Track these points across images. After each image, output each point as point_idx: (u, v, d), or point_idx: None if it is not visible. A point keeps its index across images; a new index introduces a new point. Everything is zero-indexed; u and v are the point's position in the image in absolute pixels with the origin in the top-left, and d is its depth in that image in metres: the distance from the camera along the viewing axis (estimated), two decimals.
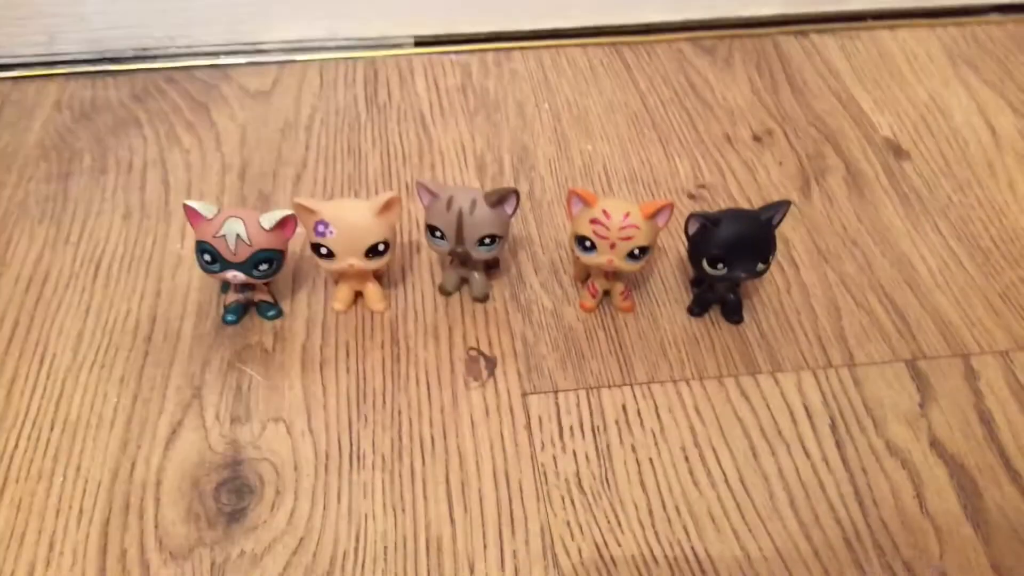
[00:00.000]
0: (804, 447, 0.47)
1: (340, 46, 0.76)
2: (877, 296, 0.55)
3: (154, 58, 0.75)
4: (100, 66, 0.74)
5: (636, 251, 0.49)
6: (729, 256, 0.49)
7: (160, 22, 0.74)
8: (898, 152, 0.66)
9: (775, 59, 0.76)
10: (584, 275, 0.55)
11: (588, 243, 0.50)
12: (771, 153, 0.66)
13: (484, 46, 0.76)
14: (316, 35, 0.76)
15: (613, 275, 0.53)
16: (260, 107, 0.70)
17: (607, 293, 0.54)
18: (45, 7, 0.72)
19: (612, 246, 0.49)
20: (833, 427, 0.48)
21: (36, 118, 0.69)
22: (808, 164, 0.65)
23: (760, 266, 0.50)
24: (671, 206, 0.49)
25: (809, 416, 0.49)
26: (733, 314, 0.54)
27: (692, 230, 0.50)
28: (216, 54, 0.75)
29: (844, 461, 0.47)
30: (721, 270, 0.50)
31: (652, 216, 0.49)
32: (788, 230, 0.59)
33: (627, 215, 0.49)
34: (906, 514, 0.44)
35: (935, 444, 0.47)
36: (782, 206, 0.50)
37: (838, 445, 0.47)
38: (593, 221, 0.49)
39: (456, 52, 0.76)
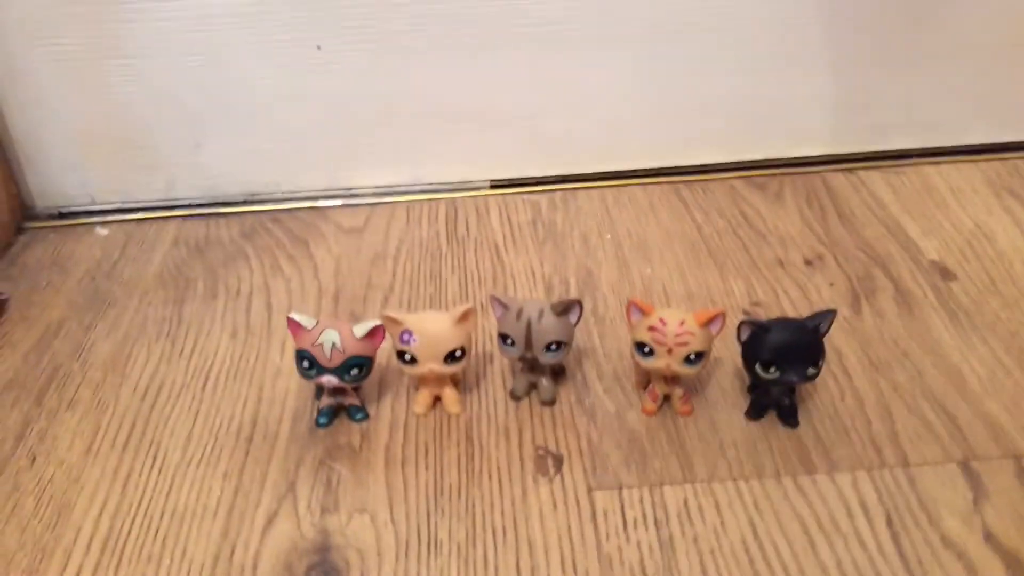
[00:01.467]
0: (861, 540, 0.49)
1: (424, 189, 0.85)
2: (928, 403, 0.58)
3: (261, 201, 0.84)
4: (213, 208, 0.84)
5: (692, 356, 0.54)
6: (780, 360, 0.53)
7: (267, 170, 0.84)
8: (945, 273, 0.70)
9: (824, 192, 0.81)
10: (645, 381, 0.60)
11: (647, 348, 0.54)
12: (822, 275, 0.70)
13: (552, 187, 0.84)
14: (402, 180, 0.85)
15: (672, 380, 0.57)
16: (353, 241, 0.78)
17: (667, 398, 0.58)
18: (166, 158, 0.83)
19: (669, 351, 0.54)
20: (889, 522, 0.50)
21: (156, 253, 0.78)
22: (858, 284, 0.69)
23: (811, 370, 0.53)
24: (723, 314, 0.54)
25: (865, 512, 0.51)
26: (789, 418, 0.57)
27: (744, 336, 0.54)
28: (315, 197, 0.84)
29: (900, 554, 0.48)
30: (773, 374, 0.53)
31: (706, 324, 0.53)
32: (841, 343, 0.63)
33: (682, 323, 0.53)
34: None
35: (990, 538, 0.49)
36: (828, 314, 0.54)
37: (894, 538, 0.49)
38: (651, 328, 0.54)
39: (528, 192, 0.84)
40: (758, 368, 0.54)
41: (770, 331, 0.53)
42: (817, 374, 0.54)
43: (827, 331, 0.54)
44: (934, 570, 0.47)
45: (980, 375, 0.60)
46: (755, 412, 0.57)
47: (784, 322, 0.55)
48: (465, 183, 0.85)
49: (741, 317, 0.57)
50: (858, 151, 0.86)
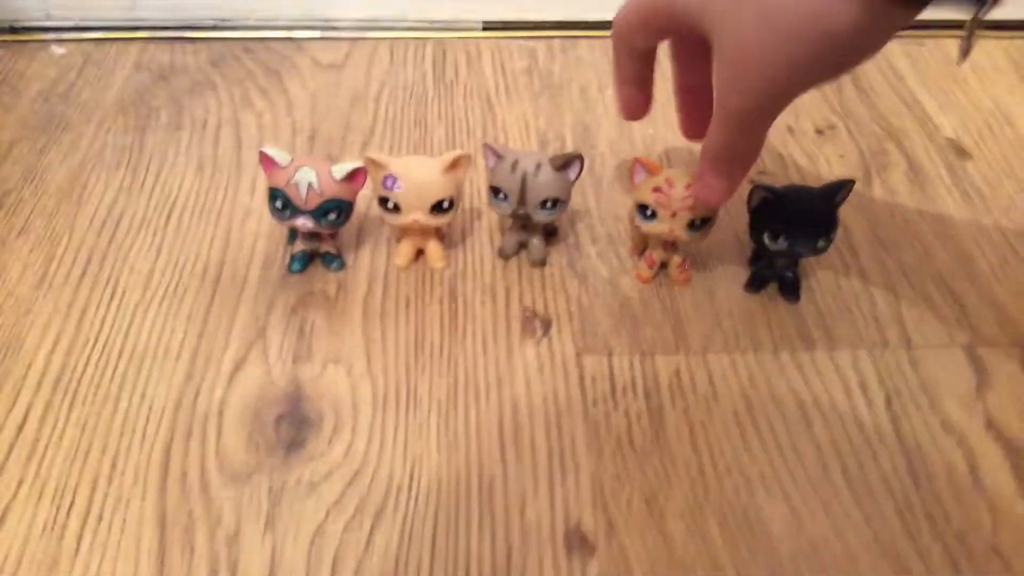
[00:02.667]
0: (858, 420, 0.47)
1: (410, 26, 0.78)
2: (936, 285, 0.55)
3: (231, 28, 0.77)
4: (179, 32, 0.76)
5: (697, 222, 0.50)
6: (790, 230, 0.50)
7: None
8: (961, 152, 0.66)
9: None
10: (642, 247, 0.56)
11: (649, 212, 0.51)
12: (833, 146, 0.66)
13: (551, 33, 0.78)
14: (386, 14, 0.78)
15: (672, 246, 0.54)
16: (331, 78, 0.72)
17: (664, 265, 0.55)
18: None
19: (673, 215, 0.50)
20: (888, 403, 0.48)
21: (116, 77, 0.71)
22: (870, 159, 0.65)
23: (821, 243, 0.50)
24: None
25: (864, 391, 0.49)
26: (790, 293, 0.54)
27: (754, 202, 0.51)
28: (291, 28, 0.77)
29: (898, 436, 0.47)
30: (781, 244, 0.50)
31: None
32: (848, 218, 0.59)
33: (689, 185, 0.49)
34: (959, 489, 0.44)
35: (991, 426, 0.47)
36: (845, 184, 0.50)
37: (893, 420, 0.47)
38: (656, 190, 0.50)
39: (523, 38, 0.77)
40: (766, 238, 0.50)
41: (783, 198, 0.50)
42: (827, 247, 0.50)
43: (842, 202, 0.50)
44: (932, 454, 0.46)
45: (991, 260, 0.57)
46: (755, 285, 0.54)
47: (798, 190, 0.51)
48: (455, 22, 0.78)
49: (747, 189, 0.54)
50: None
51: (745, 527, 0.43)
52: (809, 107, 0.70)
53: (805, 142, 0.66)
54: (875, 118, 0.69)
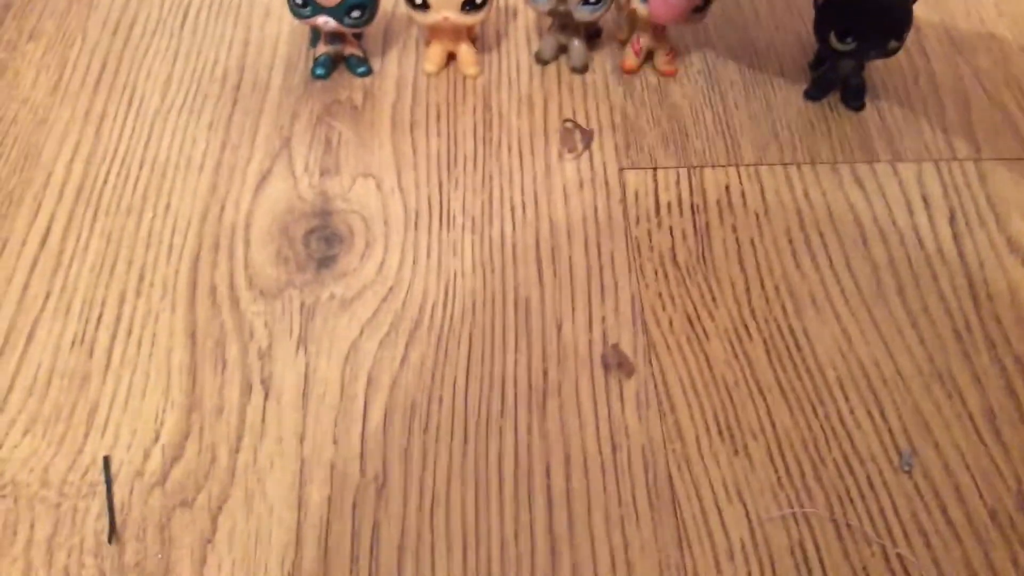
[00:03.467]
0: (919, 237, 0.44)
1: None
2: (1012, 92, 0.51)
3: None
4: None
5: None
6: (861, 28, 0.45)
7: None
8: None
9: None
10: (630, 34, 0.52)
11: None
12: None
13: None
14: None
15: (661, 32, 0.50)
16: None
17: (650, 55, 0.51)
18: None
19: None
20: (952, 219, 0.45)
21: None
22: None
23: (893, 43, 0.46)
24: None
25: (927, 207, 0.46)
26: (854, 99, 0.50)
27: None
28: None
29: (960, 254, 0.44)
30: (850, 44, 0.46)
31: None
32: (920, 18, 0.54)
33: None
34: (1022, 311, 0.42)
35: None
36: None
37: (955, 238, 0.44)
38: None
39: None
40: (833, 37, 0.46)
41: None
42: (899, 48, 0.46)
43: None
44: (996, 274, 0.43)
45: None
46: (817, 91, 0.50)
47: None
48: None
49: None
50: None
51: (791, 348, 0.41)
52: None
53: None
54: None
